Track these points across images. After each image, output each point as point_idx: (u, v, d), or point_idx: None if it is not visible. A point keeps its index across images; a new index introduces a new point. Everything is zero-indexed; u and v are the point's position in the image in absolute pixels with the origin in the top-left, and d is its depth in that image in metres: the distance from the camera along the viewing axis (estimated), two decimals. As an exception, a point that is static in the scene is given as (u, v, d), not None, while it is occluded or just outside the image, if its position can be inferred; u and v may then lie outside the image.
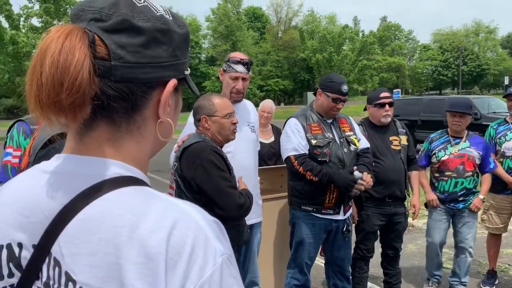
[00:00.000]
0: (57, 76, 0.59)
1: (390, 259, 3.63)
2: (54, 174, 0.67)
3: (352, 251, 3.47)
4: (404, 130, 3.60)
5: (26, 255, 0.65)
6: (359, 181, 2.92)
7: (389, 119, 3.48)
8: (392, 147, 3.46)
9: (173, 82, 0.70)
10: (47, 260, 0.63)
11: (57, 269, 0.62)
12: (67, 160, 0.68)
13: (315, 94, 3.23)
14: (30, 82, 0.61)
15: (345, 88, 3.06)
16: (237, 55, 2.86)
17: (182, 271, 0.58)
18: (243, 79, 2.81)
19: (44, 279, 0.63)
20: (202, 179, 2.23)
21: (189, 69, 0.76)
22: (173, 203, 0.64)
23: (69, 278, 0.61)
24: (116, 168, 0.66)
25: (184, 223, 0.61)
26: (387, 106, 3.45)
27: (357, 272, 3.50)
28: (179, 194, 2.29)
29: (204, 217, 0.64)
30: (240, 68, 2.78)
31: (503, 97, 4.09)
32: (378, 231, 3.57)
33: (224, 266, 0.61)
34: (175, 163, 2.36)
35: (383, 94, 3.52)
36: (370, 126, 3.54)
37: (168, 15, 0.70)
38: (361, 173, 2.95)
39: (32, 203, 0.66)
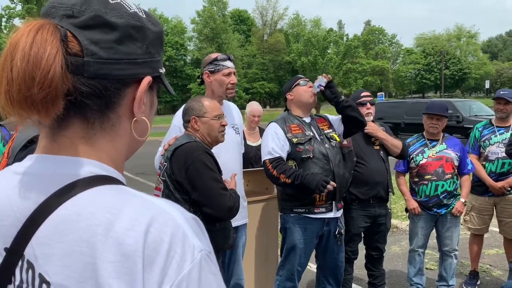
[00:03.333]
0: (28, 70, 0.58)
1: (374, 260, 3.64)
2: (26, 175, 0.65)
3: None
4: (383, 128, 3.62)
5: None
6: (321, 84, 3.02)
7: (371, 118, 3.52)
8: (375, 147, 3.52)
9: (147, 79, 0.69)
10: (20, 263, 0.62)
11: (30, 271, 0.61)
12: (39, 160, 0.67)
13: (285, 110, 3.27)
14: (0, 78, 0.59)
15: (300, 75, 3.22)
16: (218, 54, 2.93)
17: (159, 268, 0.57)
18: (234, 73, 2.88)
19: (17, 282, 0.62)
20: (194, 180, 2.24)
21: (163, 68, 0.75)
22: (150, 200, 0.63)
23: (43, 280, 0.60)
24: (90, 167, 0.65)
25: (161, 220, 0.59)
26: (368, 104, 3.52)
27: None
28: (168, 195, 2.28)
29: (182, 214, 0.63)
30: (229, 63, 2.86)
31: (492, 99, 4.14)
32: (362, 233, 3.59)
33: (203, 263, 0.60)
34: (164, 163, 2.35)
35: (364, 93, 3.62)
36: None
37: (142, 13, 0.69)
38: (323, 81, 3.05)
39: (4, 206, 0.64)
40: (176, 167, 2.27)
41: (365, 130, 3.45)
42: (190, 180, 2.24)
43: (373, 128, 3.49)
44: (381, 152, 3.52)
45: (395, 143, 3.52)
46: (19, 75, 0.58)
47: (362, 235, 3.60)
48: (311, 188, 2.82)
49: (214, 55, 2.90)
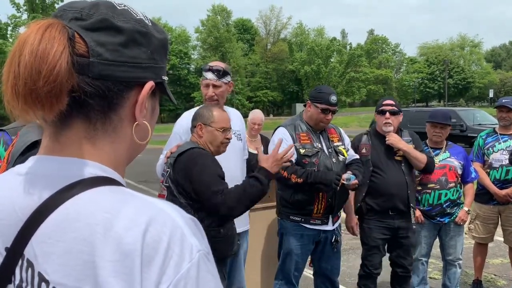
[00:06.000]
0: (36, 64, 0.60)
1: (399, 278, 3.44)
2: (29, 175, 0.67)
3: (359, 268, 3.46)
4: (410, 139, 3.44)
5: None
6: (351, 181, 2.93)
7: (390, 128, 3.34)
8: (396, 157, 3.36)
9: (150, 84, 0.70)
10: (20, 262, 0.62)
11: (30, 270, 0.62)
12: (41, 161, 0.68)
13: (305, 106, 3.24)
14: (7, 73, 0.61)
15: (333, 98, 3.05)
16: (212, 63, 2.89)
17: (158, 267, 0.58)
18: (214, 86, 2.81)
19: (17, 282, 0.63)
20: (194, 180, 2.24)
21: (167, 77, 0.76)
22: (149, 201, 0.64)
23: (42, 279, 0.60)
24: (91, 168, 0.66)
25: (160, 220, 0.60)
26: (387, 113, 3.35)
27: None
28: (172, 200, 2.29)
29: (181, 215, 0.63)
30: (209, 75, 2.81)
31: (495, 107, 4.15)
32: (385, 246, 3.42)
33: (201, 262, 0.60)
34: (167, 169, 2.36)
35: (385, 102, 3.44)
36: (375, 135, 3.46)
37: (148, 20, 0.72)
38: (353, 175, 2.96)
39: (5, 206, 0.66)
40: (180, 172, 2.28)
41: (386, 142, 3.33)
42: (191, 182, 2.25)
43: (394, 139, 3.32)
44: (403, 164, 3.34)
45: (418, 157, 3.32)
46: (26, 69, 0.60)
47: (381, 249, 3.40)
48: (326, 183, 2.86)
49: (208, 64, 2.89)
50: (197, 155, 2.31)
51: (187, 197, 2.28)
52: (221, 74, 2.83)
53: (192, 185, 2.26)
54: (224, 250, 2.38)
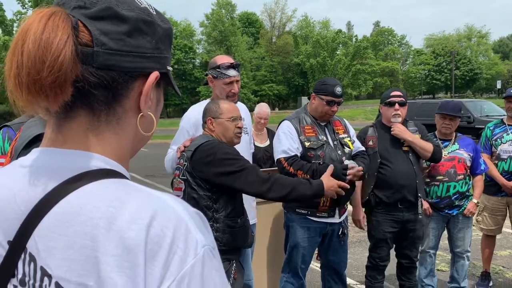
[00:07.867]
0: (39, 54, 0.58)
1: (404, 270, 3.44)
2: (31, 168, 0.66)
3: (366, 260, 3.46)
4: (415, 129, 3.42)
5: (1, 252, 0.63)
6: (349, 170, 2.88)
7: (399, 119, 3.32)
8: (403, 148, 3.33)
9: (155, 74, 0.69)
10: (22, 256, 0.62)
11: (32, 264, 0.61)
12: (44, 153, 0.67)
13: (309, 99, 3.23)
14: (10, 62, 0.60)
15: (338, 90, 3.02)
16: (225, 59, 2.89)
17: (162, 263, 0.56)
18: (236, 81, 2.86)
19: (19, 276, 0.62)
20: (223, 167, 2.25)
21: (171, 67, 0.75)
22: (153, 194, 0.62)
23: (44, 273, 0.60)
24: (94, 161, 0.65)
25: (165, 214, 0.59)
26: (396, 105, 3.32)
27: (369, 281, 3.40)
28: (189, 193, 2.32)
29: (186, 209, 0.62)
30: (232, 72, 2.82)
31: (503, 98, 4.11)
32: (393, 239, 3.40)
33: (206, 258, 0.59)
34: (184, 163, 2.38)
35: (393, 93, 3.39)
36: (381, 127, 3.44)
37: (152, 9, 0.71)
38: (354, 163, 2.93)
39: (8, 199, 0.65)
40: (200, 164, 2.30)
41: (392, 132, 3.30)
42: (220, 170, 2.25)
43: (399, 129, 3.30)
44: (410, 154, 3.31)
45: (424, 146, 3.28)
46: (30, 59, 0.58)
47: (389, 241, 3.38)
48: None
49: (219, 60, 2.87)
50: (215, 146, 2.33)
51: (205, 189, 2.30)
52: (239, 68, 2.90)
53: (217, 172, 2.26)
54: (241, 240, 2.40)
